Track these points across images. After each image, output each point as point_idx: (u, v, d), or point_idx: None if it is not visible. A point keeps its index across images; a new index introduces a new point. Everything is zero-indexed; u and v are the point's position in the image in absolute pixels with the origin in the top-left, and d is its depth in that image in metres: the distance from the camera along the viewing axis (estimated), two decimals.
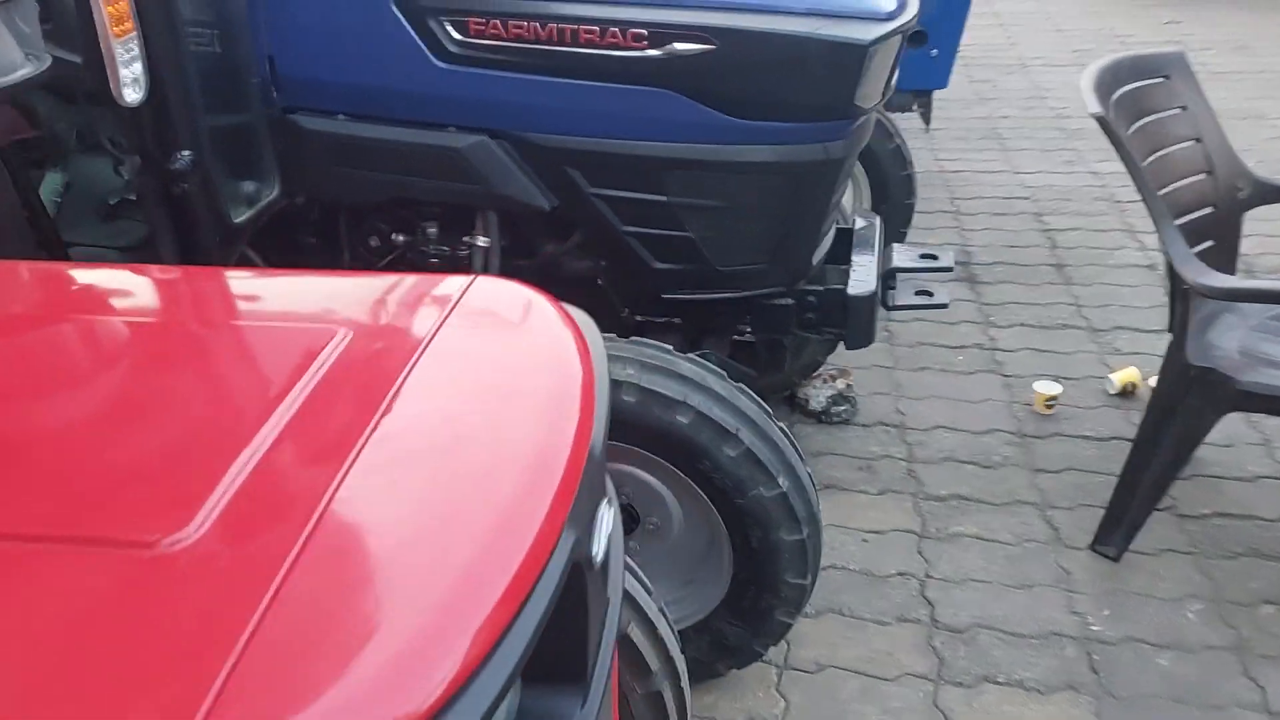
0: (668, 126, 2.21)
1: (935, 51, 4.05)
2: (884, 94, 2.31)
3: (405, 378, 1.01)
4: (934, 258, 2.64)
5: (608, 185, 2.32)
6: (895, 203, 3.89)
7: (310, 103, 2.34)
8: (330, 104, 2.34)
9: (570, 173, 2.31)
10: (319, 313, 1.17)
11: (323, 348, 1.03)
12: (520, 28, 2.16)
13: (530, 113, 2.26)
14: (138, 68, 1.81)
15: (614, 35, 2.12)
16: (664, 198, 2.30)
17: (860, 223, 2.77)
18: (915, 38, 3.91)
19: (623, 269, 2.47)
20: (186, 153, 2.06)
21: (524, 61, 2.19)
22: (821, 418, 3.42)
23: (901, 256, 2.67)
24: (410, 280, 1.25)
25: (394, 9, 2.20)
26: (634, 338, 2.21)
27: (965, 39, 4.31)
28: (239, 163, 2.33)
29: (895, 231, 3.96)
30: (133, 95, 1.81)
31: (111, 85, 1.77)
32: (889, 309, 2.64)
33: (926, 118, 4.39)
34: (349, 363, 1.02)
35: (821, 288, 2.51)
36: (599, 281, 2.54)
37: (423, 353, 1.04)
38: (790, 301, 2.50)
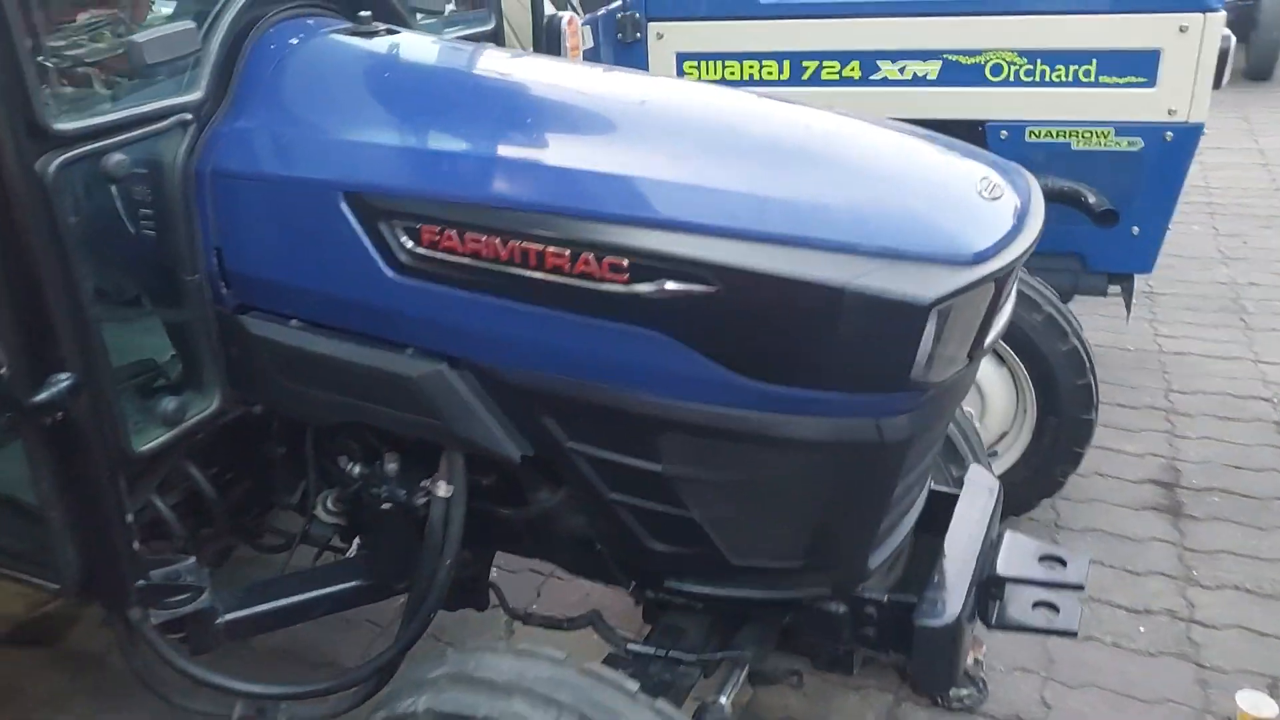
0: (659, 377, 1.63)
1: (1137, 229, 3.23)
2: (976, 354, 1.62)
3: None
4: (1060, 563, 1.88)
5: (588, 440, 1.76)
6: (1068, 417, 3.08)
7: (261, 303, 1.93)
8: (283, 307, 1.92)
9: (544, 419, 1.77)
10: None
11: None
12: (477, 242, 1.66)
13: (494, 341, 1.74)
14: None
15: (586, 263, 1.58)
16: (656, 465, 1.71)
17: (972, 485, 2.05)
18: (1104, 216, 3.14)
19: (616, 543, 1.88)
20: (65, 376, 1.67)
21: (484, 281, 1.68)
22: (938, 700, 2.63)
23: (1014, 556, 1.92)
24: None
25: (344, 206, 1.76)
26: (590, 667, 1.61)
27: (1215, 177, 3.44)
28: (163, 376, 1.95)
29: (1068, 451, 3.14)
30: None
31: None
32: (992, 627, 1.89)
33: (1128, 304, 3.54)
34: None
35: (883, 598, 1.81)
36: (598, 547, 1.96)
37: None
38: (842, 609, 1.83)
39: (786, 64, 3.45)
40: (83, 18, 2.12)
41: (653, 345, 1.60)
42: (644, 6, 3.57)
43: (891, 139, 1.71)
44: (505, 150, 1.72)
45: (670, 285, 1.54)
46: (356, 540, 2.19)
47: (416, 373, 1.80)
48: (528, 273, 1.63)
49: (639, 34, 3.58)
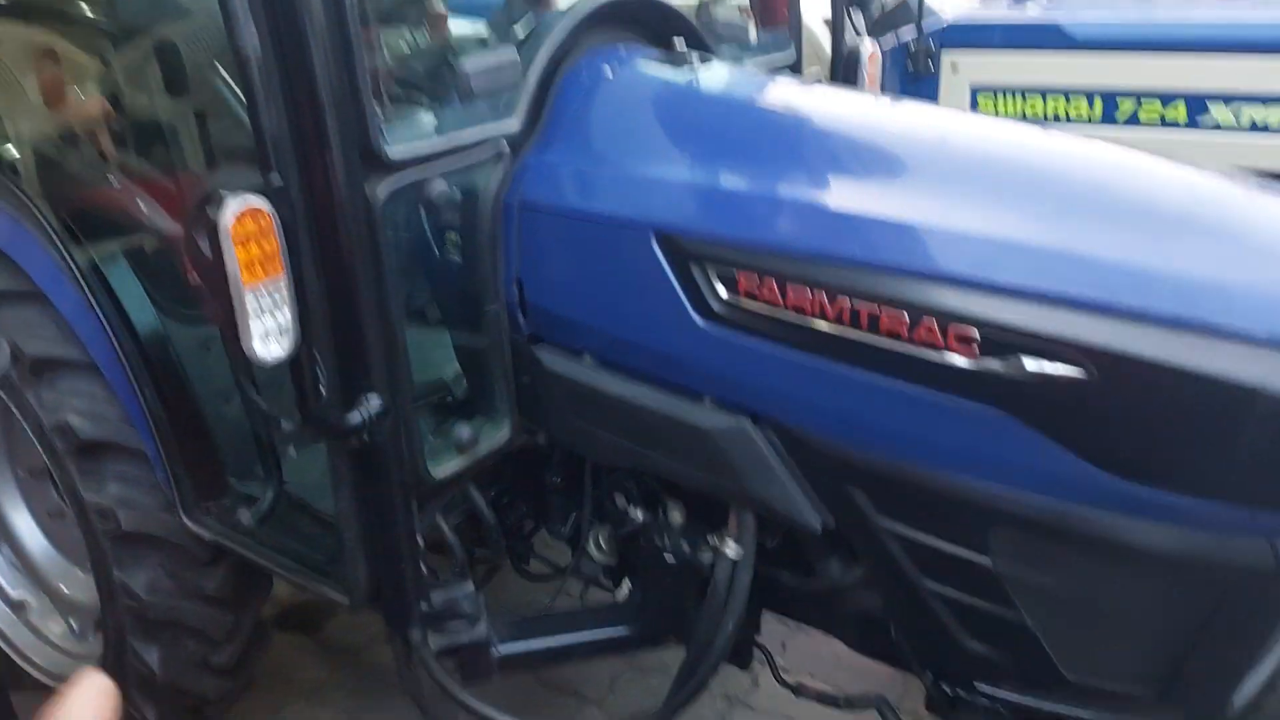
0: (1001, 466, 1.45)
1: None
2: None
3: None
4: None
5: (905, 520, 1.59)
6: None
7: (557, 336, 1.89)
8: (577, 342, 1.87)
9: (852, 491, 1.62)
10: None
11: None
12: (801, 296, 1.53)
13: (806, 403, 1.61)
14: (284, 316, 1.45)
15: (929, 330, 1.42)
16: (986, 560, 1.53)
17: None
18: None
19: (919, 633, 1.71)
20: (375, 399, 1.67)
21: (803, 338, 1.56)
22: None
23: None
24: None
25: (655, 248, 1.68)
26: None
27: None
28: (458, 402, 1.94)
29: None
30: (270, 351, 1.45)
31: (241, 340, 1.42)
32: None
33: None
34: None
35: None
36: (892, 630, 1.79)
37: None
38: None
39: (1098, 101, 3.16)
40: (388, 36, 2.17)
41: (996, 428, 1.42)
42: (939, 36, 3.37)
43: None
44: (835, 198, 1.58)
45: (1029, 364, 1.35)
46: (626, 582, 2.11)
47: (715, 426, 1.70)
48: (856, 334, 1.49)
49: (932, 65, 3.38)
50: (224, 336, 1.45)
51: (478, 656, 1.95)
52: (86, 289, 2.15)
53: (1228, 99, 2.98)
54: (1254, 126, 2.95)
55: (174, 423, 2.15)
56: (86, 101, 2.22)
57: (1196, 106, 3.02)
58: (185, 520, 2.19)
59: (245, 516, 2.09)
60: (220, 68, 1.91)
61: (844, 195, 1.57)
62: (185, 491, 2.19)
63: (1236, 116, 2.97)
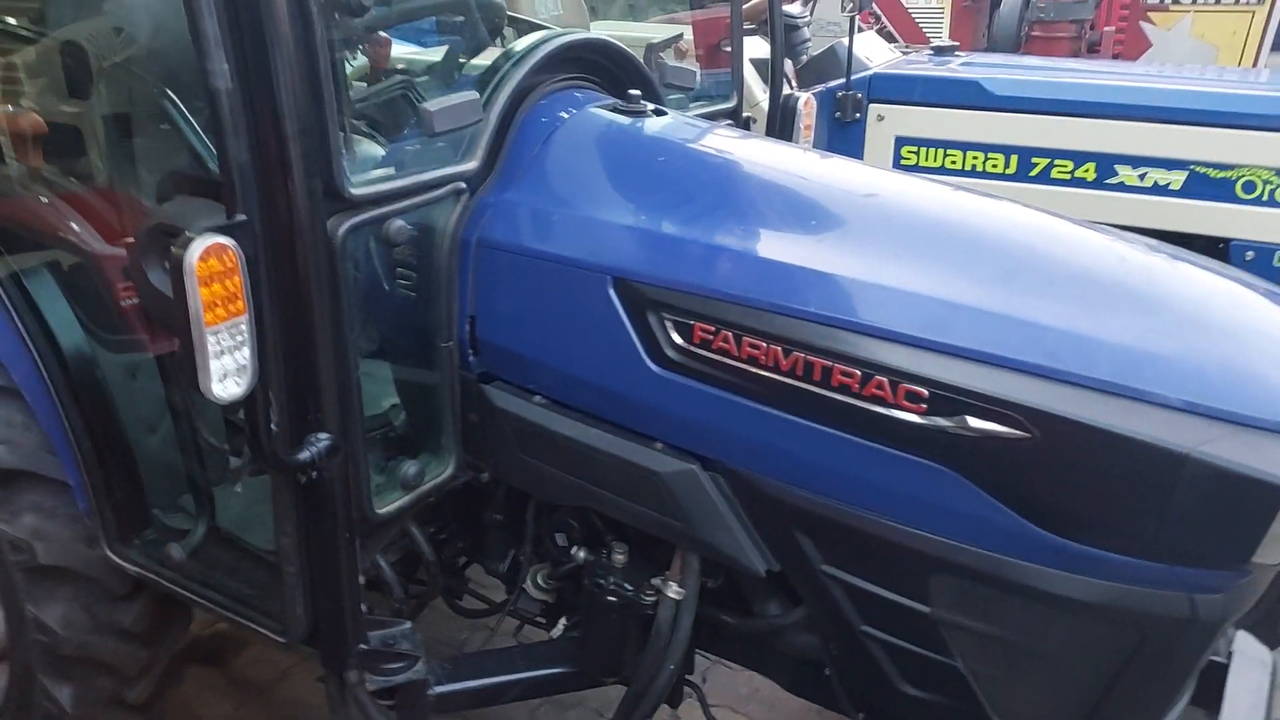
0: (943, 517, 1.52)
1: None
2: None
3: None
4: None
5: (847, 567, 1.65)
6: None
7: (506, 374, 1.90)
8: (527, 381, 1.88)
9: (798, 537, 1.67)
10: None
11: None
12: (755, 348, 1.58)
13: (756, 450, 1.66)
14: (243, 355, 1.43)
15: (879, 387, 1.48)
16: (924, 607, 1.59)
17: (1243, 657, 1.85)
18: None
19: (855, 675, 1.76)
20: (324, 437, 1.65)
21: (754, 389, 1.61)
22: None
23: None
24: None
25: (612, 293, 1.71)
26: None
27: None
28: (403, 438, 1.93)
29: None
30: (227, 390, 1.43)
31: (200, 380, 1.40)
32: None
33: None
34: None
35: None
36: (826, 671, 1.85)
37: None
38: None
39: (1014, 159, 3.32)
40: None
41: (938, 481, 1.48)
42: (867, 87, 3.50)
43: (1220, 285, 1.57)
44: (792, 254, 1.64)
45: (974, 423, 1.43)
46: (563, 621, 2.12)
47: (666, 470, 1.73)
48: (808, 387, 1.55)
49: (859, 114, 3.51)
50: (175, 373, 1.42)
51: (415, 696, 1.94)
52: (10, 306, 2.07)
53: (1134, 162, 3.18)
54: (1156, 188, 3.14)
55: (100, 452, 2.08)
56: (17, 114, 2.14)
57: (1105, 168, 3.21)
58: (108, 553, 2.12)
59: (176, 550, 2.03)
60: (170, 92, 1.87)
61: (801, 252, 1.63)
62: (109, 524, 2.12)
63: (1141, 178, 3.17)
